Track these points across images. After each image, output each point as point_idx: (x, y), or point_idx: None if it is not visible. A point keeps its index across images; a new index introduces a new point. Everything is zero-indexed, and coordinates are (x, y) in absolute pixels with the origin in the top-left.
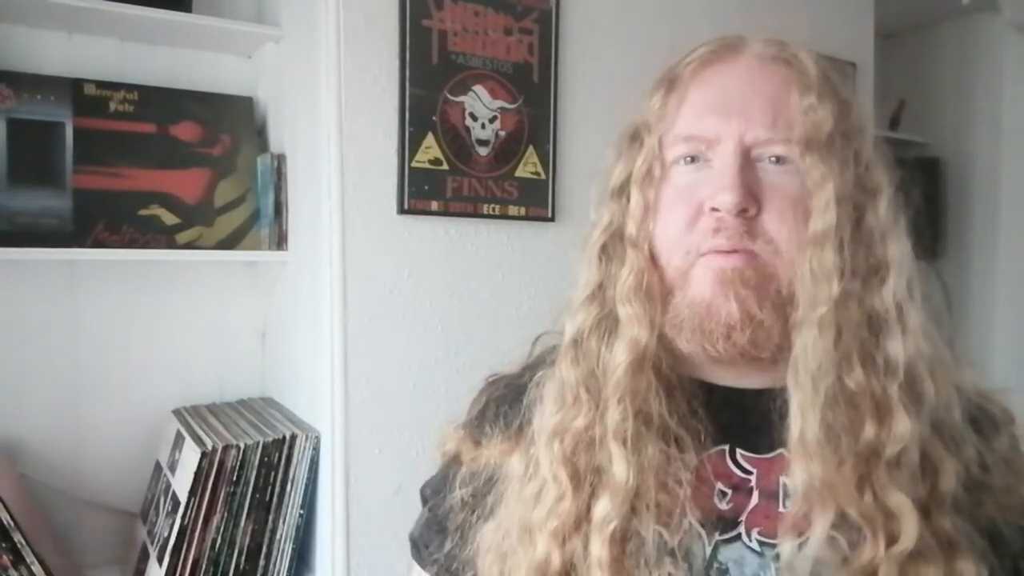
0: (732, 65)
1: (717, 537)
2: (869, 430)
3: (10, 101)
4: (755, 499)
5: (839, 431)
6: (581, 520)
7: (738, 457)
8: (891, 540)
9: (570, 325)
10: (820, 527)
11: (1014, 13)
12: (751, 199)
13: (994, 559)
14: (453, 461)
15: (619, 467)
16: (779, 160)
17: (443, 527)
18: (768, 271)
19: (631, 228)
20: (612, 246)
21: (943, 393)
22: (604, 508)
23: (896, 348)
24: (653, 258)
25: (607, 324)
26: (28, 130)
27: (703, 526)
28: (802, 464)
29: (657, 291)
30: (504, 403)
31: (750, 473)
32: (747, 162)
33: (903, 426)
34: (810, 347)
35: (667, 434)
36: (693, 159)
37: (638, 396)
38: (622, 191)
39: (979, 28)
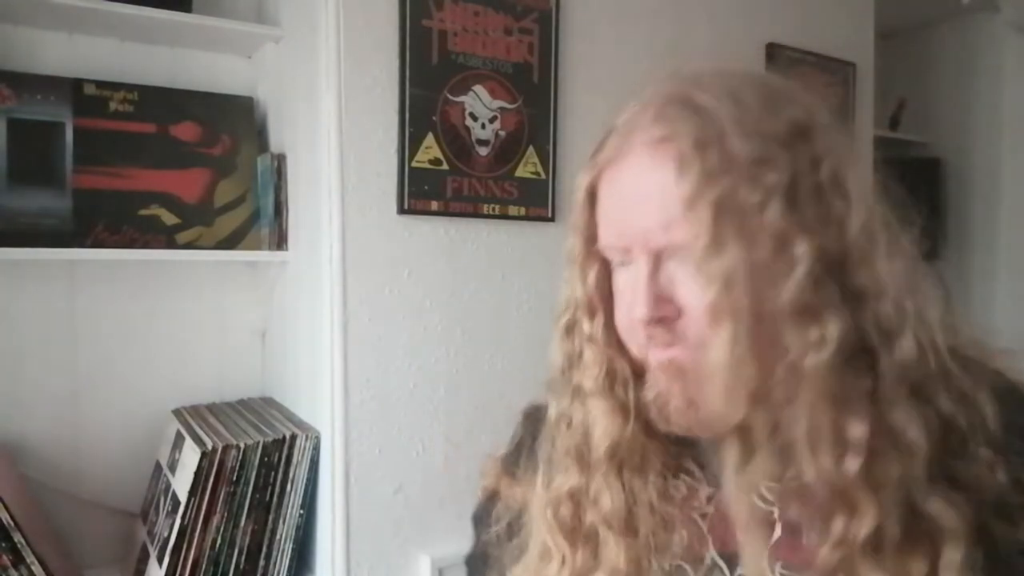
0: (625, 162)
1: (740, 571)
2: (837, 524)
3: (10, 101)
4: (778, 531)
5: (806, 527)
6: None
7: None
8: None
9: (553, 403)
10: None
11: (1014, 13)
12: (666, 305)
13: None
14: (493, 495)
15: (611, 552)
16: (684, 252)
17: (486, 560)
18: (698, 368)
19: (585, 325)
20: (575, 332)
21: (957, 421)
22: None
23: (856, 427)
24: (621, 343)
25: (584, 403)
26: (28, 130)
27: (724, 560)
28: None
29: (629, 374)
30: (535, 440)
31: (772, 504)
32: (658, 267)
33: (869, 512)
34: (738, 459)
35: (668, 482)
36: (623, 262)
37: (623, 473)
38: (579, 270)
39: (979, 28)
